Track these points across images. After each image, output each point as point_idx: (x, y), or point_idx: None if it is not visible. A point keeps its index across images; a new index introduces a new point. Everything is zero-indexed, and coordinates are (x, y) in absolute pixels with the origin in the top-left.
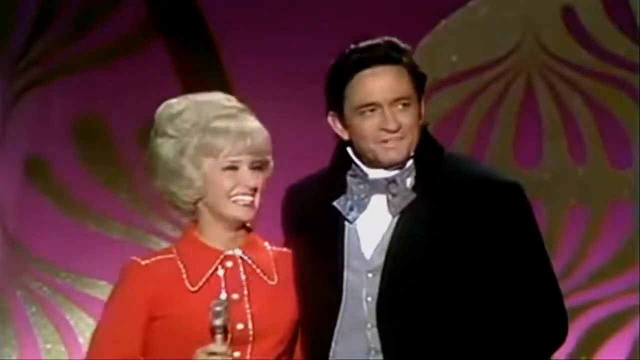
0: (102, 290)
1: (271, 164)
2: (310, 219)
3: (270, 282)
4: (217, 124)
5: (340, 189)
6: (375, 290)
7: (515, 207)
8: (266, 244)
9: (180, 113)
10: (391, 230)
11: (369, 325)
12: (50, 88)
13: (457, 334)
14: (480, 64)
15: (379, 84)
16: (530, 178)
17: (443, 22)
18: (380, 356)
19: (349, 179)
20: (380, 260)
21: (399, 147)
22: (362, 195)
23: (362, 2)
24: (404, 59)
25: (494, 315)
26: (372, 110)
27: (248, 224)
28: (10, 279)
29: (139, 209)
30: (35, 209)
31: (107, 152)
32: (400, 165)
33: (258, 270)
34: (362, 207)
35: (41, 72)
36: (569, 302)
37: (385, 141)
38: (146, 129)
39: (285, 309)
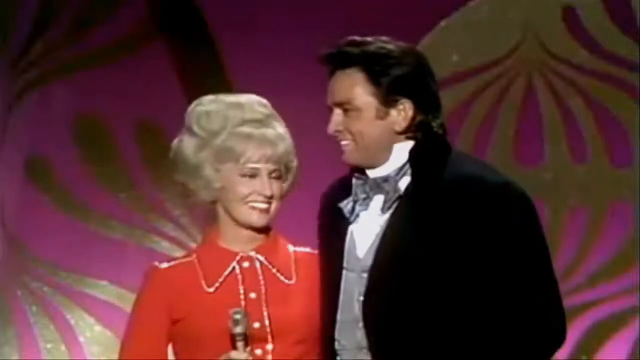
0: (102, 290)
1: (294, 170)
2: (325, 221)
3: (288, 282)
4: (241, 129)
5: (350, 189)
6: (364, 290)
7: (500, 207)
8: (289, 245)
9: (208, 113)
10: (381, 230)
11: (360, 325)
12: (50, 88)
13: (445, 336)
14: (480, 64)
15: (330, 87)
16: (530, 178)
17: (443, 22)
18: (369, 355)
19: (354, 179)
20: (370, 259)
21: (348, 150)
22: (364, 196)
23: (362, 2)
24: (356, 61)
25: (485, 317)
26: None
27: (269, 225)
28: (10, 279)
29: (139, 208)
30: (35, 209)
31: (107, 152)
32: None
33: (274, 270)
34: (364, 207)
35: (41, 72)
36: (569, 302)
37: (340, 142)
38: (146, 129)
39: (302, 307)
